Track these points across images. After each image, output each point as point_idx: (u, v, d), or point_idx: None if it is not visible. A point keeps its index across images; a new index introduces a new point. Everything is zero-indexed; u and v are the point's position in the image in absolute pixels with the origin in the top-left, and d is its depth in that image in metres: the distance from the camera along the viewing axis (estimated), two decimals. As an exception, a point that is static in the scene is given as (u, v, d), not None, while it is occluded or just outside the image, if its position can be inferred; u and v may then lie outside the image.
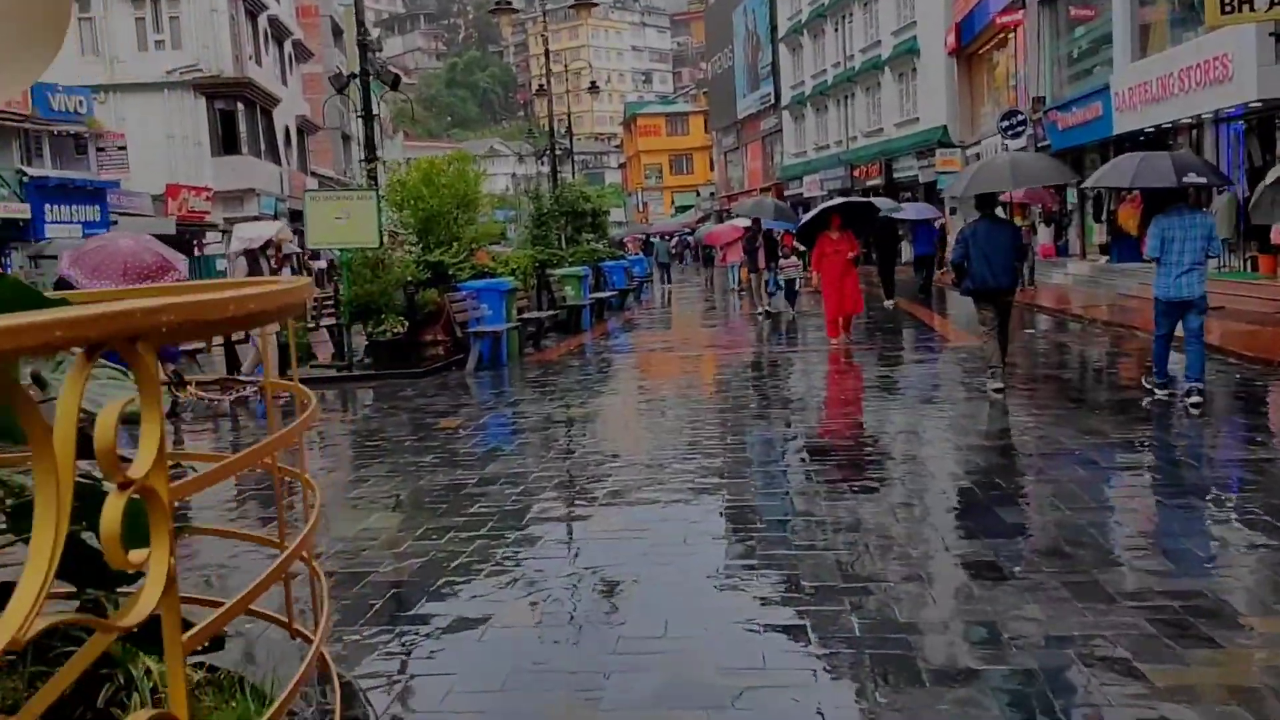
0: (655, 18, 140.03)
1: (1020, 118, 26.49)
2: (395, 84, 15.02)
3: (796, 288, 21.44)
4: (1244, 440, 7.72)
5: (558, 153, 35.20)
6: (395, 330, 13.79)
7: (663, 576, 5.06)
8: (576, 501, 6.75)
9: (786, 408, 10.04)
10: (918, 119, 37.69)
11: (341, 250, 14.95)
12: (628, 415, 10.47)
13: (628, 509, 6.42)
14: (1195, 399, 8.58)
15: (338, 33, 53.45)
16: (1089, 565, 4.84)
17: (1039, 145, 25.62)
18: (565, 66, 50.11)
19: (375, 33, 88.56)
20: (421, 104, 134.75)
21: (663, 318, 24.74)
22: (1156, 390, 9.20)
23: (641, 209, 78.17)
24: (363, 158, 15.00)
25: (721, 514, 6.22)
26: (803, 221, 14.85)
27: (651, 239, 50.30)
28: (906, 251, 30.52)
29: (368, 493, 7.27)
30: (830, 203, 14.68)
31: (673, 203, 78.99)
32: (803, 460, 7.61)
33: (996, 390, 9.67)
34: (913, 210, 24.69)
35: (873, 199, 22.85)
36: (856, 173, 42.35)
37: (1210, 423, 8.41)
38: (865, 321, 17.30)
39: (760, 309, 20.39)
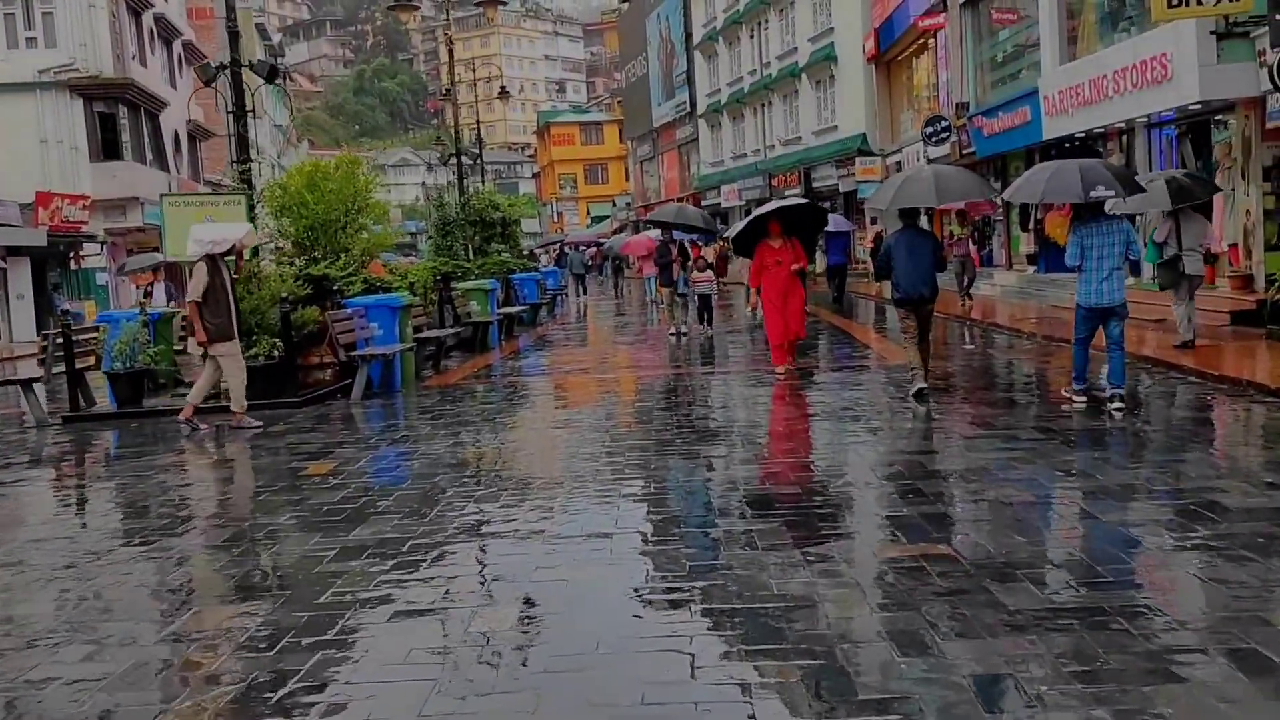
0: (568, 27, 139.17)
1: (944, 124, 25.84)
2: (271, 76, 13.42)
3: (711, 303, 20.19)
4: (1266, 485, 6.59)
5: (469, 162, 33.62)
6: (270, 354, 12.14)
7: (563, 711, 3.65)
8: (459, 585, 5.23)
9: (716, 444, 8.71)
10: (836, 127, 36.96)
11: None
12: (533, 457, 9.00)
13: (527, 593, 4.97)
14: (1118, 405, 8.92)
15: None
16: (1130, 679, 3.56)
17: (964, 152, 24.88)
18: (475, 73, 48.60)
19: (277, 38, 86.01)
20: (328, 111, 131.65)
21: (578, 334, 23.36)
22: (1075, 398, 9.34)
23: (556, 219, 76.88)
24: (235, 159, 13.31)
25: (644, 601, 4.80)
26: (737, 230, 13.41)
27: (566, 249, 48.95)
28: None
29: (192, 575, 5.73)
30: (767, 206, 13.13)
31: (588, 213, 77.89)
32: (744, 520, 6.19)
33: (917, 393, 10.08)
34: (831, 221, 23.90)
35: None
36: (775, 182, 41.51)
37: (1211, 459, 7.33)
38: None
39: (672, 329, 18.89)
